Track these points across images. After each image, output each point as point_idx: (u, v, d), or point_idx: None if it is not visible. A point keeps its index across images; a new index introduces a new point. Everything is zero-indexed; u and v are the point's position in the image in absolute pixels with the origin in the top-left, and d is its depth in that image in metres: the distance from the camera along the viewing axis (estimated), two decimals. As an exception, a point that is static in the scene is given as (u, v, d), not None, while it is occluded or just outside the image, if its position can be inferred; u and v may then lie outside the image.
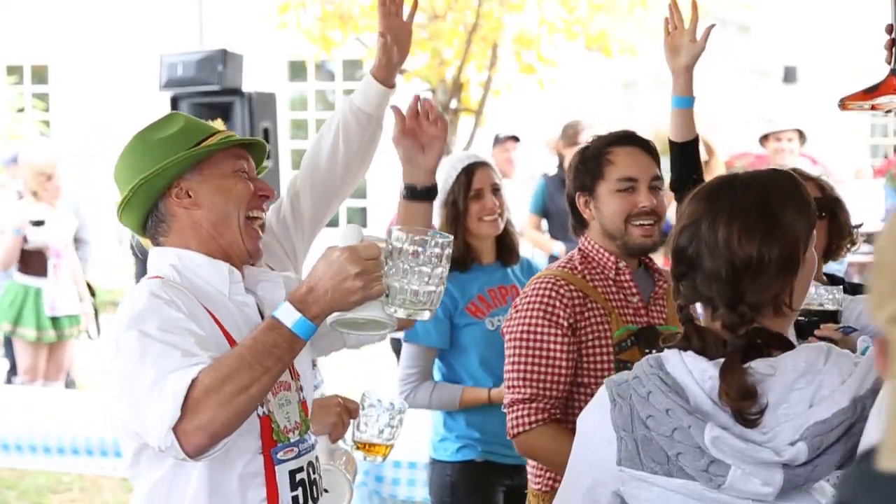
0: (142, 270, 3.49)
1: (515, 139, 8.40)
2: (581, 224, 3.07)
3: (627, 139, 3.04)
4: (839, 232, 3.19)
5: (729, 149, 9.37)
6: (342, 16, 10.08)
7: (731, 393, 1.83)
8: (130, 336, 2.03)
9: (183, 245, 2.23)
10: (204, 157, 2.23)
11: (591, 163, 3.00)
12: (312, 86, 15.72)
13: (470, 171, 3.81)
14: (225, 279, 2.23)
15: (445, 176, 3.79)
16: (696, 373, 1.89)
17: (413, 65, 10.05)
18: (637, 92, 17.35)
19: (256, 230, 2.28)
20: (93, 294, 7.50)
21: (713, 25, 3.05)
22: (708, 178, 6.63)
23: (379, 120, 2.83)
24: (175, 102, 6.24)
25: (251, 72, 6.52)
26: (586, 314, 2.95)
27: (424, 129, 2.73)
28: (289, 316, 2.03)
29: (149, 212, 2.26)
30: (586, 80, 15.91)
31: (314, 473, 2.33)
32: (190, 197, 2.23)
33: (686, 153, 3.00)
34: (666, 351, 1.94)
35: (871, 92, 2.24)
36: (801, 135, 7.15)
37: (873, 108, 2.27)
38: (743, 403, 1.83)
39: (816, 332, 2.79)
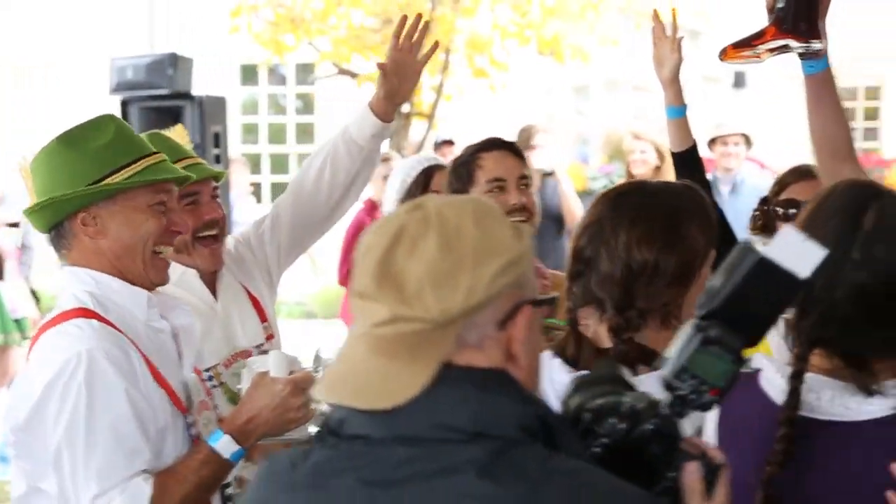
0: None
1: (450, 143, 8.41)
2: None
3: (494, 144, 3.16)
4: None
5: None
6: (294, 20, 10.05)
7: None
8: (77, 420, 2.04)
9: (83, 264, 2.21)
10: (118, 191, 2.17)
11: (462, 169, 3.11)
12: (265, 90, 15.65)
13: (429, 174, 3.83)
14: (143, 306, 2.22)
15: (403, 176, 3.81)
16: (557, 384, 1.85)
17: (365, 69, 10.04)
18: (588, 96, 17.44)
19: (164, 261, 2.25)
20: (37, 300, 7.42)
21: (682, 38, 3.07)
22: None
23: (370, 154, 2.80)
24: (125, 106, 6.19)
25: (202, 76, 6.48)
26: None
27: (408, 60, 2.71)
28: (227, 449, 2.14)
29: (54, 226, 2.23)
30: (538, 85, 15.97)
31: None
32: (97, 225, 2.18)
33: (686, 160, 3.03)
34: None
35: (754, 40, 2.24)
36: (747, 139, 7.22)
37: (756, 56, 2.29)
38: None
39: None
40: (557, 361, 1.90)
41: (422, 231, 1.35)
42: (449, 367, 1.34)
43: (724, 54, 2.36)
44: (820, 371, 1.71)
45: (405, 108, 10.05)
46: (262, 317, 2.85)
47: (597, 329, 1.93)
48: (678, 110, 2.91)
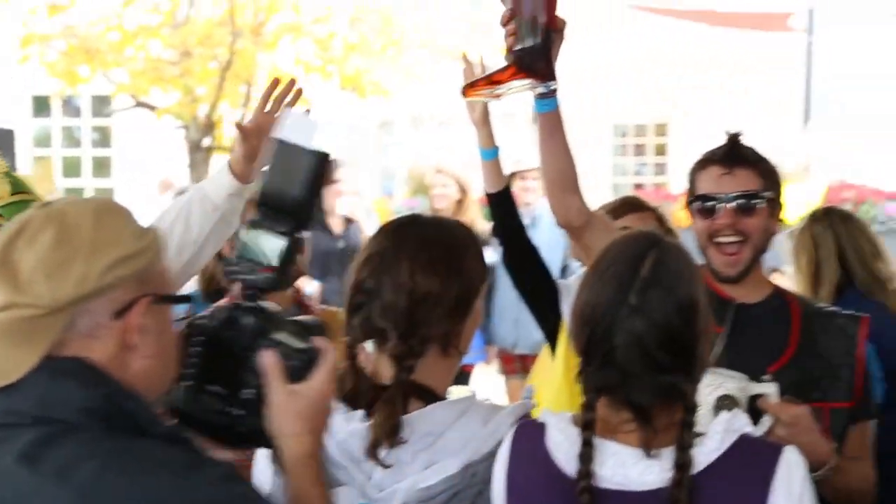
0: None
1: None
2: None
3: None
4: None
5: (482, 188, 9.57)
6: (89, 51, 9.75)
7: (384, 425, 1.83)
8: None
9: None
10: None
11: None
12: (58, 122, 15.12)
13: None
14: None
15: None
16: (336, 425, 1.86)
17: (164, 102, 9.83)
18: (392, 131, 17.57)
19: None
20: None
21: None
22: (461, 217, 6.77)
23: (226, 215, 2.64)
24: None
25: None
26: None
27: (272, 122, 2.57)
28: None
29: None
30: (342, 120, 15.98)
31: None
32: None
33: (501, 201, 3.01)
34: None
35: (495, 78, 2.32)
36: (546, 174, 7.39)
37: (496, 95, 2.36)
38: (391, 439, 1.83)
39: None
40: (338, 405, 1.89)
41: (43, 225, 1.47)
42: (50, 358, 1.44)
43: (465, 92, 2.41)
44: (606, 430, 1.76)
45: (206, 142, 9.89)
46: None
47: (376, 362, 1.93)
48: (490, 152, 2.89)
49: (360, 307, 1.92)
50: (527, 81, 2.29)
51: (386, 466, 1.84)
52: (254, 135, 2.61)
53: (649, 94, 17.37)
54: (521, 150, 9.98)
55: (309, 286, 7.28)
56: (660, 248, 1.79)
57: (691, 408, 1.73)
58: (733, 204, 2.43)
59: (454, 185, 6.56)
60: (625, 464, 1.73)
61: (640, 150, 18.38)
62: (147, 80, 9.60)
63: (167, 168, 10.78)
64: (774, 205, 2.46)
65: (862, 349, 2.42)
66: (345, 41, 9.84)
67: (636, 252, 1.78)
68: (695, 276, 1.79)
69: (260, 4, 9.68)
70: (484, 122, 2.87)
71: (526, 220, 8.34)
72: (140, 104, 9.91)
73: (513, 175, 7.40)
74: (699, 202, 2.46)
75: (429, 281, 1.89)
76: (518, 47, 2.28)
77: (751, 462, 1.73)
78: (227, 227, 2.67)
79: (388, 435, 1.83)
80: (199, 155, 9.93)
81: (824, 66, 15.46)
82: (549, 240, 7.16)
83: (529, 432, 1.83)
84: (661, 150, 18.23)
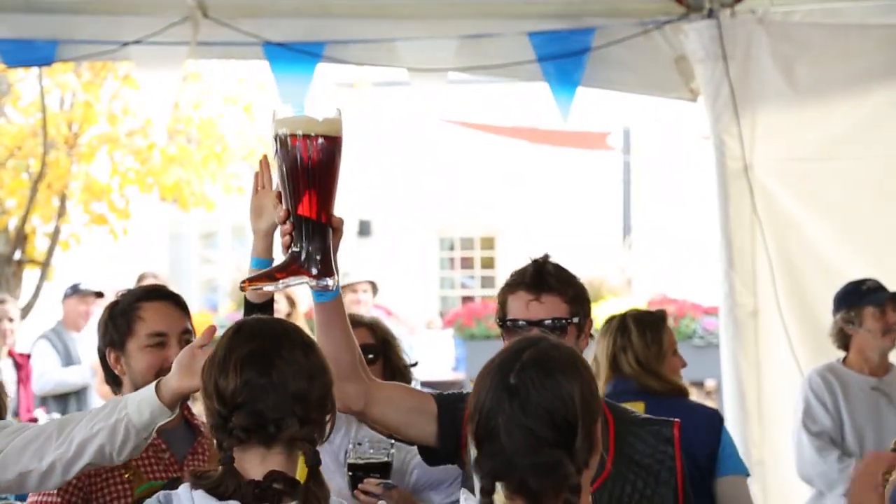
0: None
1: (100, 294, 7.82)
2: (114, 381, 3.02)
3: (156, 294, 3.04)
4: (393, 373, 3.34)
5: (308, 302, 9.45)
6: None
7: None
8: None
9: None
10: None
11: (119, 319, 2.97)
12: None
13: None
14: None
15: None
16: None
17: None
18: (216, 243, 17.30)
19: None
20: None
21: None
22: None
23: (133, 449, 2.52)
24: None
25: None
26: (103, 476, 2.87)
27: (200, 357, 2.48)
28: None
29: None
30: (163, 231, 15.65)
31: None
32: None
33: (265, 313, 2.96)
34: (180, 488, 2.00)
35: (277, 273, 2.41)
36: (374, 286, 7.36)
37: (276, 288, 2.45)
38: None
39: (360, 486, 2.92)
40: (200, 491, 1.97)
41: None
42: None
43: (243, 286, 2.47)
44: None
45: (17, 255, 9.49)
46: None
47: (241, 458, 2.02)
48: (266, 262, 2.83)
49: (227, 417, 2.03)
50: (304, 278, 2.36)
51: None
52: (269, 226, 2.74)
53: (475, 207, 17.64)
54: (350, 262, 9.94)
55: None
56: (542, 342, 1.92)
57: (574, 488, 1.81)
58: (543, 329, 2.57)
59: (283, 299, 6.44)
60: None
61: (467, 262, 18.58)
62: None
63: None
64: (582, 326, 2.63)
65: (678, 451, 2.57)
66: (164, 153, 9.65)
67: (519, 346, 1.91)
68: (576, 363, 1.91)
69: (75, 115, 9.43)
70: (267, 234, 2.84)
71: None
72: (-55, 216, 9.46)
73: (343, 288, 7.31)
74: (511, 324, 2.61)
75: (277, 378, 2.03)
76: (294, 248, 2.36)
77: None
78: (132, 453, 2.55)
79: None
80: (8, 269, 9.50)
81: (641, 185, 16.03)
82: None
83: None
84: (488, 263, 18.48)
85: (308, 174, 2.32)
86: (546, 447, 1.82)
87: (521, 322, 2.60)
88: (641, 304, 12.11)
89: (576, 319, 2.61)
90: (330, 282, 2.39)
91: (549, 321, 2.58)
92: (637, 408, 2.97)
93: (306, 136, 2.30)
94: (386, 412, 2.50)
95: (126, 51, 5.13)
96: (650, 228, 16.20)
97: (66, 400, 7.46)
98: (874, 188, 4.95)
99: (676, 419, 2.62)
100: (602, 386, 3.75)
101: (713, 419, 3.64)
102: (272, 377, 2.03)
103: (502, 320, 2.64)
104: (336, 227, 2.41)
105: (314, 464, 2.01)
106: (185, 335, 2.97)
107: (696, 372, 4.71)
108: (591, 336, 2.72)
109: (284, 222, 2.37)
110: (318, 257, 2.36)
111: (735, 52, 4.99)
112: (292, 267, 2.36)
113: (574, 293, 2.64)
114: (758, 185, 5.13)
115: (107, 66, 9.32)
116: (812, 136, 5.10)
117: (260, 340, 2.08)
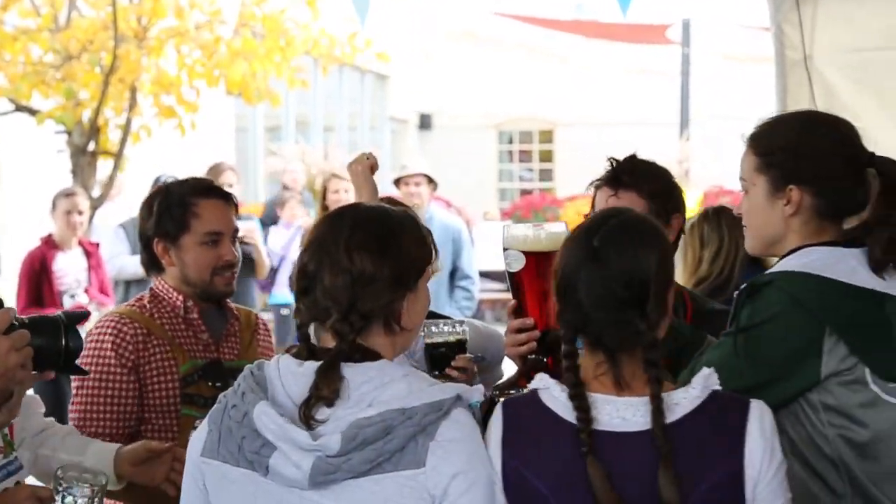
0: None
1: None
2: (156, 267, 3.15)
3: (212, 191, 3.16)
4: None
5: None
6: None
7: (323, 390, 2.00)
8: None
9: None
10: None
11: (175, 211, 3.08)
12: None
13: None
14: None
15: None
16: (283, 368, 2.06)
17: (46, 106, 9.66)
18: (280, 136, 17.53)
19: None
20: None
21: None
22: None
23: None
24: None
25: None
26: (151, 350, 3.05)
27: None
28: None
29: None
30: (228, 125, 15.89)
31: None
32: None
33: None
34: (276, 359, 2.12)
35: (522, 380, 2.56)
36: (430, 179, 7.52)
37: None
38: (329, 398, 2.00)
39: (453, 363, 2.97)
40: (287, 356, 2.10)
41: None
42: None
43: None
44: (593, 379, 2.04)
45: (90, 146, 9.76)
46: None
47: (323, 341, 2.10)
48: None
49: (305, 291, 2.08)
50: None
51: (321, 421, 1.99)
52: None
53: (533, 101, 17.64)
54: (406, 157, 10.10)
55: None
56: (624, 213, 2.13)
57: (651, 345, 2.01)
58: None
59: (351, 191, 6.64)
60: (616, 409, 2.00)
61: (525, 155, 18.66)
62: (28, 84, 9.43)
63: (48, 172, 10.59)
64: (661, 219, 2.69)
65: None
66: (230, 46, 9.80)
67: (607, 213, 2.13)
68: (657, 235, 2.09)
69: (144, 9, 9.59)
70: (366, 180, 3.01)
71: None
72: (20, 108, 9.72)
73: (398, 181, 7.51)
74: None
75: (364, 260, 2.05)
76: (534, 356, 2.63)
77: (726, 411, 2.01)
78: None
79: (327, 397, 1.99)
80: (83, 159, 9.77)
81: (700, 77, 15.90)
82: (438, 243, 7.31)
83: (517, 399, 2.14)
84: (546, 157, 18.54)
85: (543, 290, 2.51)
86: (620, 305, 2.01)
87: None
88: (697, 196, 12.20)
89: (652, 214, 2.64)
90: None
91: None
92: None
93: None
94: None
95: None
96: (708, 120, 16.14)
97: (128, 286, 7.82)
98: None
99: None
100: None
101: None
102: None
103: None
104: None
105: None
106: (236, 234, 3.13)
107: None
108: (682, 232, 2.89)
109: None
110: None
111: (797, -61, 4.98)
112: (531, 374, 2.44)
113: (651, 189, 2.79)
114: (817, 75, 5.13)
115: (174, -39, 9.47)
116: (873, 25, 5.06)
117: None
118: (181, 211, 3.07)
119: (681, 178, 12.36)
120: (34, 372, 2.20)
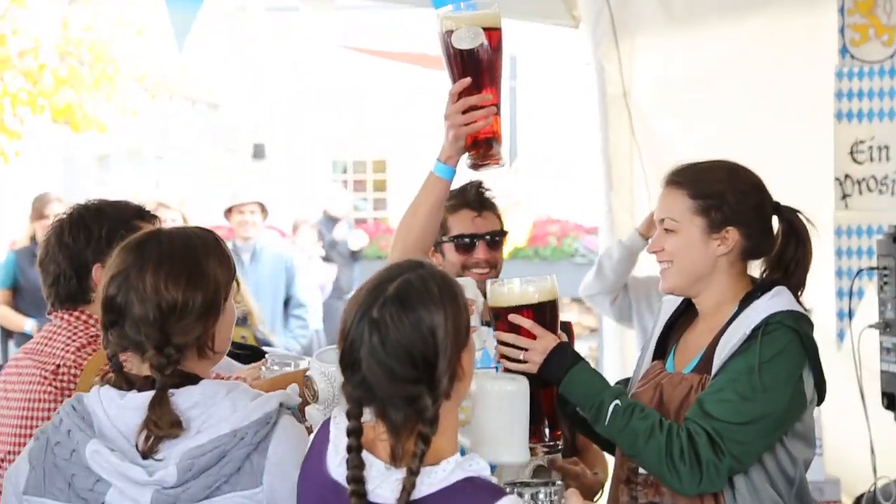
0: None
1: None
2: (84, 298, 2.76)
3: (151, 214, 2.90)
4: None
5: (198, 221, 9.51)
6: None
7: (161, 423, 1.98)
8: None
9: None
10: None
11: (124, 234, 2.67)
12: None
13: None
14: None
15: None
16: (105, 401, 2.04)
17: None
18: (109, 166, 17.12)
19: None
20: None
21: None
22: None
23: None
24: None
25: None
26: None
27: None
28: None
29: None
30: (56, 154, 15.44)
31: None
32: None
33: None
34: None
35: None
36: (263, 207, 7.46)
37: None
38: (171, 431, 1.99)
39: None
40: (107, 386, 2.06)
41: None
42: None
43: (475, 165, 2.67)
44: (374, 444, 1.92)
45: None
46: None
47: (140, 369, 2.07)
48: (451, 170, 2.88)
49: (113, 324, 2.05)
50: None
51: (158, 459, 1.98)
52: None
53: (368, 131, 17.74)
54: (238, 184, 10.00)
55: (27, 324, 7.00)
56: (416, 272, 1.91)
57: (430, 421, 1.86)
58: (486, 241, 3.11)
59: (181, 219, 6.55)
60: (377, 476, 1.88)
61: (359, 185, 18.72)
62: None
63: None
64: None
65: None
66: (55, 74, 9.57)
67: (388, 276, 1.91)
68: (444, 297, 1.90)
69: (-37, 36, 9.30)
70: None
71: (247, 254, 8.33)
72: None
73: (230, 210, 7.42)
74: (457, 240, 3.09)
75: (173, 292, 2.03)
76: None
77: (473, 498, 1.86)
78: None
79: (170, 434, 1.98)
80: None
81: (526, 111, 16.32)
82: (270, 273, 7.27)
83: (323, 433, 2.00)
84: (380, 186, 18.64)
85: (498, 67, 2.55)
86: (404, 383, 1.87)
87: (467, 235, 3.09)
88: (527, 224, 12.47)
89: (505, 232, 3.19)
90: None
91: (492, 234, 3.12)
92: None
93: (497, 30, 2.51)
94: None
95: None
96: (535, 153, 16.57)
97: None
98: (746, 113, 5.04)
99: None
100: None
101: None
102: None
103: (445, 237, 3.09)
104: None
105: None
106: None
107: (578, 288, 5.03)
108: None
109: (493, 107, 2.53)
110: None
111: (615, -22, 5.10)
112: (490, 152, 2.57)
113: (499, 212, 3.24)
114: (636, 109, 5.33)
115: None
116: (687, 62, 5.22)
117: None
118: (129, 234, 2.85)
119: (510, 209, 12.67)
120: None
